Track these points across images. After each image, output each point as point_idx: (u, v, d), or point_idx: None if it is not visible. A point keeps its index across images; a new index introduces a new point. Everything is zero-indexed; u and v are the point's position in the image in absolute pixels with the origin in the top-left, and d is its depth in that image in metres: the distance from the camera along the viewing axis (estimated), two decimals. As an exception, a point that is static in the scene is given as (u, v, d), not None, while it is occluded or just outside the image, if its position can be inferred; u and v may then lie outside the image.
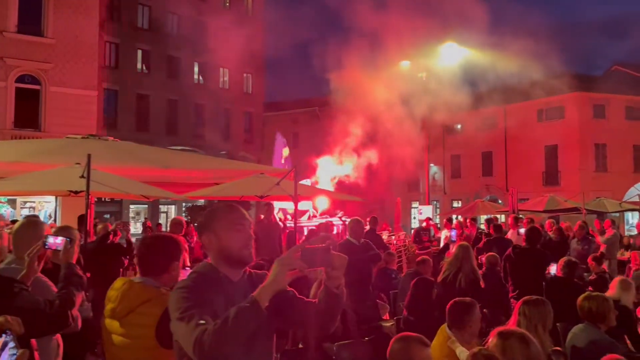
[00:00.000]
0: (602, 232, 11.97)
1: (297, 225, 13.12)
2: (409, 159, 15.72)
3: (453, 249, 7.50)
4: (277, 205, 11.90)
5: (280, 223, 10.64)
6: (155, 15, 32.16)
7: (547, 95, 30.95)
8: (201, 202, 25.22)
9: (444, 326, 3.94)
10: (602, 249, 10.11)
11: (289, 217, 13.30)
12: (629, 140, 30.09)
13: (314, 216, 14.34)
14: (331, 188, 16.59)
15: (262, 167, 10.89)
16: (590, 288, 6.56)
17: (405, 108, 16.04)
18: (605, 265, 8.32)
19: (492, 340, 3.01)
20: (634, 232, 15.49)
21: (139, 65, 32.20)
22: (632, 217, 24.59)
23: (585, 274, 8.29)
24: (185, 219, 11.59)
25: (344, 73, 17.64)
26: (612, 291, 5.05)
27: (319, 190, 12.33)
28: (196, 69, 34.34)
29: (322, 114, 34.39)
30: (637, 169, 29.52)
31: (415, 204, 36.67)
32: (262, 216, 9.77)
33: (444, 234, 12.88)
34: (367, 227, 9.75)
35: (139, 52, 31.96)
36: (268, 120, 39.91)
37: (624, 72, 33.55)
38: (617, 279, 5.25)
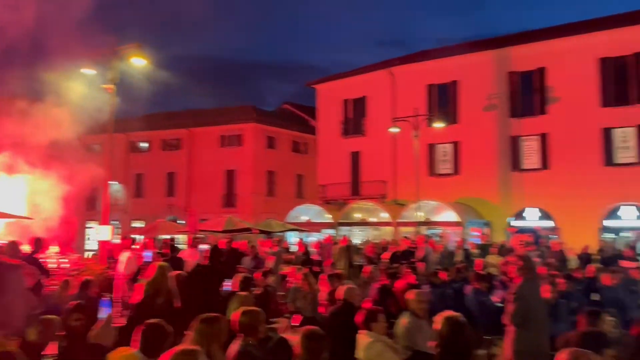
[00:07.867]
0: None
1: None
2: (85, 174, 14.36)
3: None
4: None
5: None
6: None
7: (229, 123, 33.56)
8: None
9: (134, 352, 3.58)
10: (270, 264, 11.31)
11: None
12: (293, 169, 35.03)
13: None
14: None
15: None
16: (258, 301, 7.20)
17: (85, 120, 14.71)
18: (271, 279, 9.29)
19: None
20: (295, 248, 17.89)
21: None
22: (292, 235, 28.37)
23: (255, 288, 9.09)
24: None
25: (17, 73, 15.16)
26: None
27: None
28: None
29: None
30: (298, 195, 34.53)
31: (91, 224, 34.05)
32: None
33: (125, 255, 11.85)
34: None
35: None
36: None
37: (291, 111, 39.10)
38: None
